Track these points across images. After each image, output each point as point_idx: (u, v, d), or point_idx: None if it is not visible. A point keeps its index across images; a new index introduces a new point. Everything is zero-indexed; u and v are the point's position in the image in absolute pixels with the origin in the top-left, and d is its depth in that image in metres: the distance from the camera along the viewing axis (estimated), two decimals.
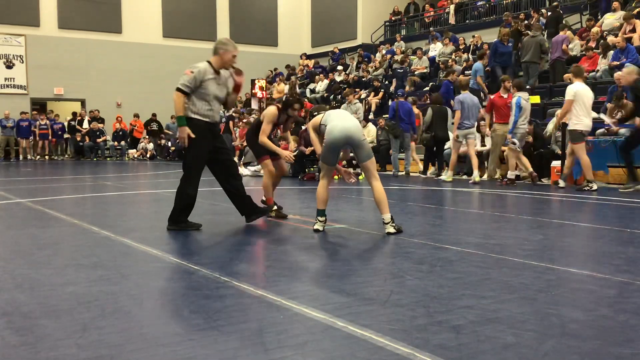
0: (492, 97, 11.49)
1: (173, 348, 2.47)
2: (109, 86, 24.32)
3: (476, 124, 11.41)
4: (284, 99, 6.04)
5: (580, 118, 9.24)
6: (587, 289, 3.37)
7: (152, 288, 3.53)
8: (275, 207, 6.48)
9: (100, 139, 22.69)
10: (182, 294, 3.36)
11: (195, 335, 2.62)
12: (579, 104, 9.26)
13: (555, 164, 10.48)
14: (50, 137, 22.48)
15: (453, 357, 2.35)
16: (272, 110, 6.27)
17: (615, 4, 14.95)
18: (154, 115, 23.65)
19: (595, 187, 9.04)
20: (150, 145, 23.33)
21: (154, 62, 24.93)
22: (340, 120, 5.24)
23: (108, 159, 22.71)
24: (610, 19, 14.63)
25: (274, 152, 6.25)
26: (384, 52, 21.36)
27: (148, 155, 23.01)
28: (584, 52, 14.04)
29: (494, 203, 8.15)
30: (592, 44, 14.19)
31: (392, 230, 5.11)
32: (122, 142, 23.52)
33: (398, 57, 19.72)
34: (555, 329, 2.68)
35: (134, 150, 23.40)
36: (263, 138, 6.18)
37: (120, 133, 23.41)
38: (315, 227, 5.41)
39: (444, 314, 2.91)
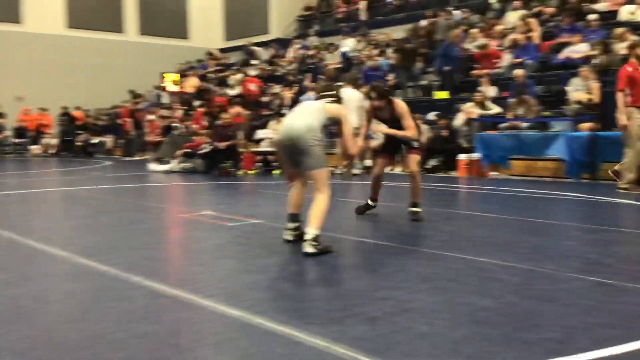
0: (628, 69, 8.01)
1: (82, 353, 2.36)
2: (8, 80, 22.97)
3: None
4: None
5: None
6: (495, 277, 3.51)
7: (58, 291, 3.37)
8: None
9: (1, 135, 21.40)
10: (91, 296, 3.22)
11: (105, 339, 2.51)
12: None
13: (463, 157, 10.88)
14: None
15: (369, 348, 2.38)
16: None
17: (517, 3, 15.69)
18: (64, 108, 22.42)
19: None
20: (55, 141, 22.26)
21: (57, 54, 23.78)
22: (294, 117, 4.45)
23: (7, 155, 21.47)
24: (512, 18, 15.32)
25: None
26: (297, 47, 21.39)
27: (53, 151, 21.94)
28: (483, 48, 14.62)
29: (404, 197, 8.34)
30: (496, 42, 14.82)
31: (310, 249, 4.13)
32: (24, 138, 22.28)
33: (311, 52, 19.81)
34: (466, 317, 2.78)
35: (37, 146, 22.23)
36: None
37: (22, 128, 22.16)
38: (284, 236, 4.64)
39: (360, 306, 2.94)
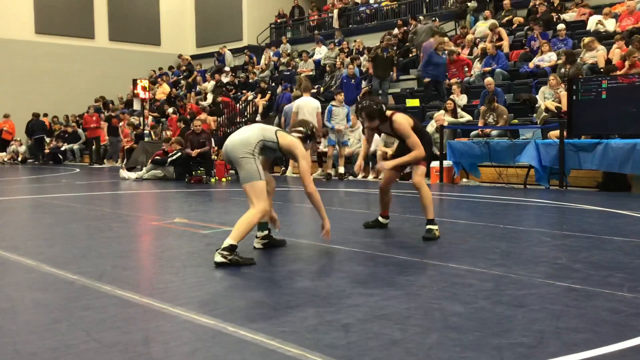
0: None
1: None
2: None
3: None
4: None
5: None
6: (466, 283, 3.54)
7: (26, 300, 3.29)
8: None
9: None
10: (60, 305, 3.16)
11: (74, 350, 2.47)
12: None
13: (434, 164, 10.97)
14: None
15: (343, 355, 2.38)
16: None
17: (487, 13, 15.95)
18: (35, 115, 21.92)
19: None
20: (22, 148, 21.86)
21: (25, 60, 23.40)
22: (236, 132, 4.51)
23: None
24: (482, 27, 15.56)
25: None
26: (271, 54, 21.40)
27: (19, 159, 21.54)
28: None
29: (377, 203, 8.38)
30: (466, 51, 15.03)
31: (218, 258, 4.03)
32: None
33: (284, 60, 19.83)
34: (438, 323, 2.80)
35: (3, 153, 21.80)
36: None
37: None
38: (254, 244, 4.68)
39: (334, 313, 2.94)
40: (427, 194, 5.18)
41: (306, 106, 10.84)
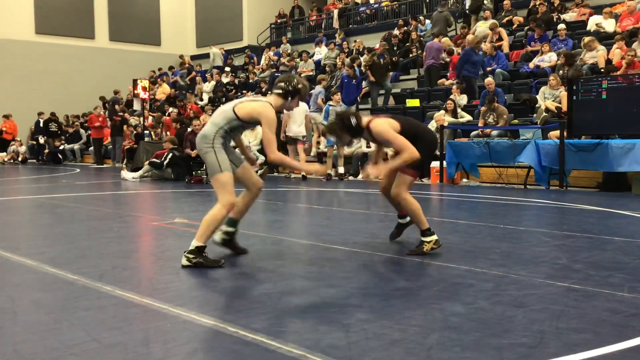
0: None
1: None
2: None
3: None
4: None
5: None
6: (466, 283, 3.54)
7: (26, 301, 3.30)
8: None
9: None
10: (60, 306, 3.16)
11: (75, 350, 2.47)
12: None
13: (435, 164, 10.97)
14: None
15: (343, 356, 2.38)
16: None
17: (487, 13, 15.94)
18: (53, 114, 21.97)
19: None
20: (22, 148, 21.87)
21: (26, 60, 23.39)
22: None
23: None
24: (482, 27, 15.55)
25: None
26: (271, 54, 21.40)
27: (20, 159, 21.54)
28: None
29: (377, 203, 8.40)
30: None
31: (183, 261, 3.95)
32: None
33: (284, 60, 19.82)
34: (438, 323, 2.80)
35: (4, 153, 21.80)
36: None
37: None
38: (214, 236, 4.33)
39: (334, 313, 2.94)
40: (411, 205, 4.45)
41: (296, 109, 11.08)
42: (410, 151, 4.29)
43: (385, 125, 4.38)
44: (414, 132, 4.49)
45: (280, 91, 4.17)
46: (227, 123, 4.08)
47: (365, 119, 4.48)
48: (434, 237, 4.44)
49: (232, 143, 4.39)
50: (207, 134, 4.07)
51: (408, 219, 4.93)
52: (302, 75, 18.57)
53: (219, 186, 4.03)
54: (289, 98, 4.20)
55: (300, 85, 4.19)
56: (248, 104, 4.09)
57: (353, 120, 4.39)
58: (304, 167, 4.28)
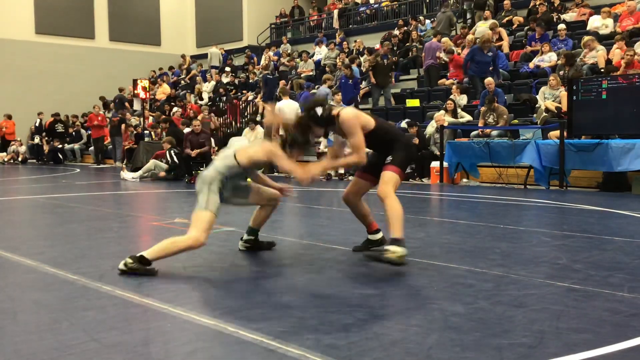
0: None
1: None
2: None
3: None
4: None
5: None
6: (466, 283, 3.54)
7: (26, 301, 3.30)
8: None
9: None
10: (60, 305, 3.16)
11: (74, 350, 2.47)
12: None
13: (435, 164, 10.98)
14: None
15: (343, 356, 2.38)
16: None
17: (487, 13, 15.94)
18: (57, 115, 21.93)
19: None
20: (23, 148, 21.86)
21: (26, 60, 23.39)
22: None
23: None
24: (482, 27, 15.55)
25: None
26: (271, 54, 21.40)
27: (20, 159, 21.54)
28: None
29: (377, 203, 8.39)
30: (467, 51, 15.01)
31: (121, 265, 3.80)
32: None
33: (284, 60, 19.83)
34: (438, 323, 2.79)
35: (4, 153, 21.79)
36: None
37: None
38: (239, 246, 4.60)
39: (334, 313, 2.94)
40: (392, 207, 4.08)
41: (287, 108, 11.77)
42: (360, 156, 4.02)
43: (352, 116, 4.02)
44: (388, 132, 4.27)
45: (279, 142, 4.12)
46: (230, 168, 4.04)
47: (337, 108, 4.14)
48: (404, 252, 3.84)
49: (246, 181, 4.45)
50: (206, 178, 4.03)
51: (379, 236, 4.52)
52: (302, 75, 18.57)
53: (196, 220, 3.94)
54: (288, 149, 4.10)
55: (297, 138, 4.08)
56: (247, 149, 4.08)
57: (319, 110, 3.97)
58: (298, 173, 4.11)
